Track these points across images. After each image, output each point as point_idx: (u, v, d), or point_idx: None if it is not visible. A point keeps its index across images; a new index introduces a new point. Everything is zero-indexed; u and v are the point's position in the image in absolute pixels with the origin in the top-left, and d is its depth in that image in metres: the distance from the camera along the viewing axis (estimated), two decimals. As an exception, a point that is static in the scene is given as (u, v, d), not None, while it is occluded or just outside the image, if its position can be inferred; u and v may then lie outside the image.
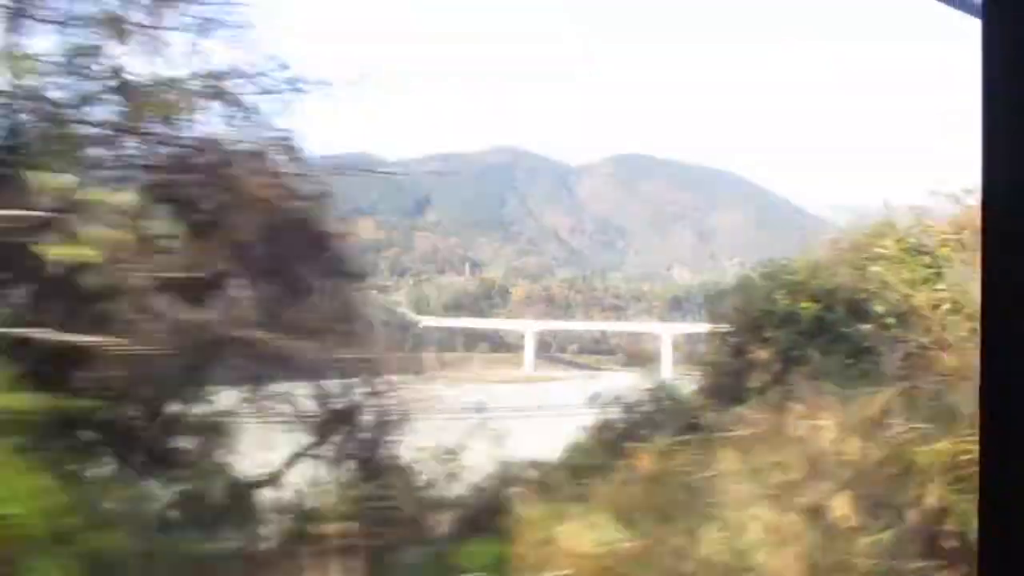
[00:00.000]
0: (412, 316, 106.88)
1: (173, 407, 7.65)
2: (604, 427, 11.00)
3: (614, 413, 11.77)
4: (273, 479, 7.96)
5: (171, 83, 8.29)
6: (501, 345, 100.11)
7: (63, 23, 7.85)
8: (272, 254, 8.63)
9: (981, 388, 1.34)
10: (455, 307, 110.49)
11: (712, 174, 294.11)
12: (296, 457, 7.91)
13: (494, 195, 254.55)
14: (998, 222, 1.35)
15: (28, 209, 6.38)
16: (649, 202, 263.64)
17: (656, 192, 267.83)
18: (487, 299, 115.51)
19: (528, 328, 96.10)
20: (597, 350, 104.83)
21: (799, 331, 8.37)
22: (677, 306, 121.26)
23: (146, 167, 8.13)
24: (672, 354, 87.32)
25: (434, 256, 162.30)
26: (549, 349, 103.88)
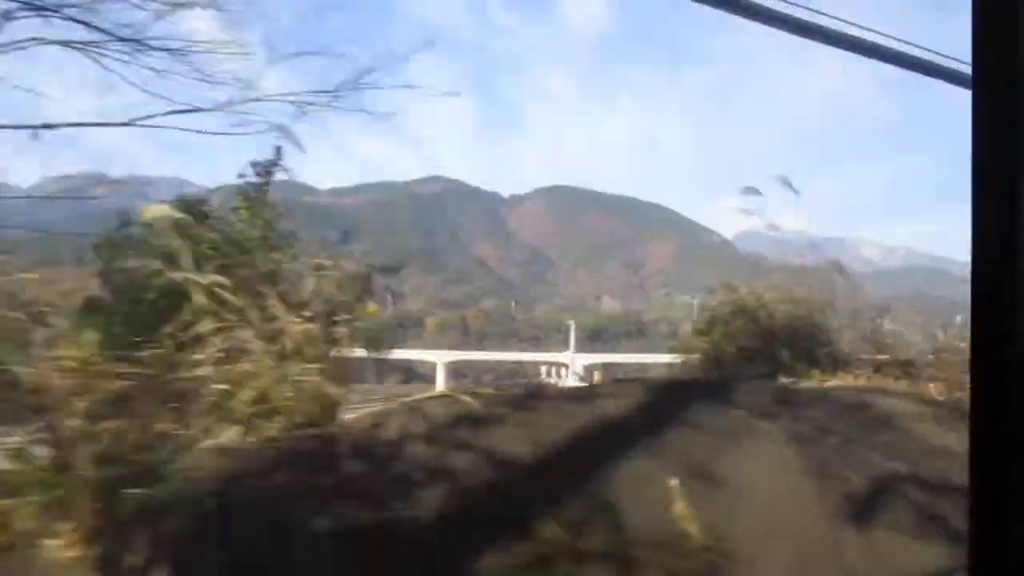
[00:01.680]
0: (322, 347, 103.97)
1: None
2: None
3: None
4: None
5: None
6: (414, 375, 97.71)
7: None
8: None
9: (973, 386, 1.34)
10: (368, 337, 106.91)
11: (642, 206, 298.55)
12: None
13: (424, 225, 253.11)
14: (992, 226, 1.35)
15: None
16: (580, 233, 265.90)
17: (587, 223, 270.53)
18: (402, 329, 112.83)
19: (440, 358, 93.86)
20: (513, 380, 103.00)
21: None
22: (596, 336, 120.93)
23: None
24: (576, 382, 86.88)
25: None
26: (464, 379, 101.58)
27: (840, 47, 4.29)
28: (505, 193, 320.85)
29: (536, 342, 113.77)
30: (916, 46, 4.46)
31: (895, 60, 4.51)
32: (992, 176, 1.32)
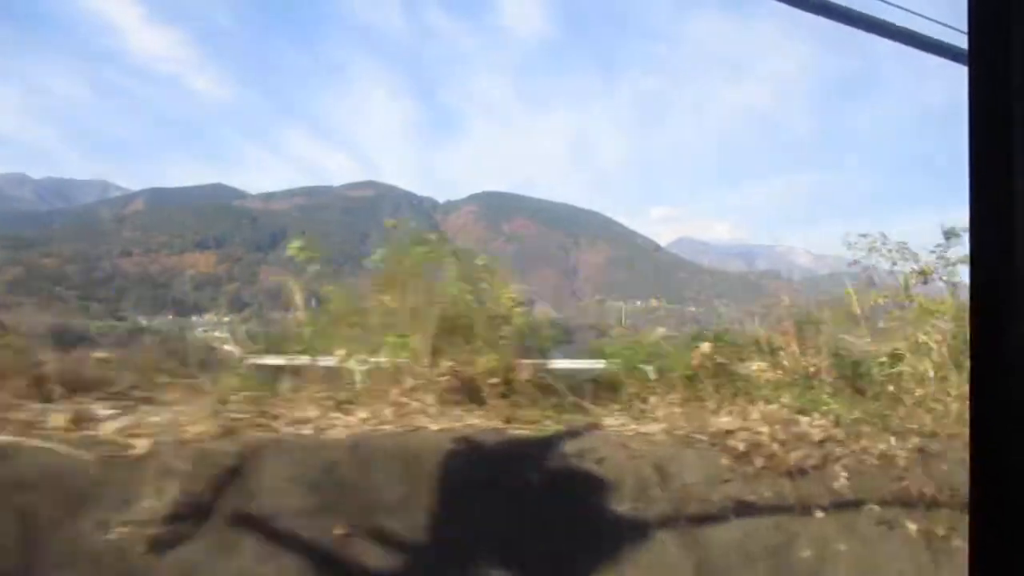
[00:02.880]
0: (236, 352, 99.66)
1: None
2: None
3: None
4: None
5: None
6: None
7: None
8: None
9: (971, 388, 1.36)
10: (287, 343, 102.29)
11: (576, 212, 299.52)
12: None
13: (356, 230, 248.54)
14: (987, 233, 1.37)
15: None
16: (513, 239, 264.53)
17: (520, 229, 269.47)
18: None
19: (360, 366, 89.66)
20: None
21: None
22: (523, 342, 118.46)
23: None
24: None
25: (279, 291, 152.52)
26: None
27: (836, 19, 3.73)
28: (440, 198, 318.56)
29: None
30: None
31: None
32: (989, 176, 1.32)
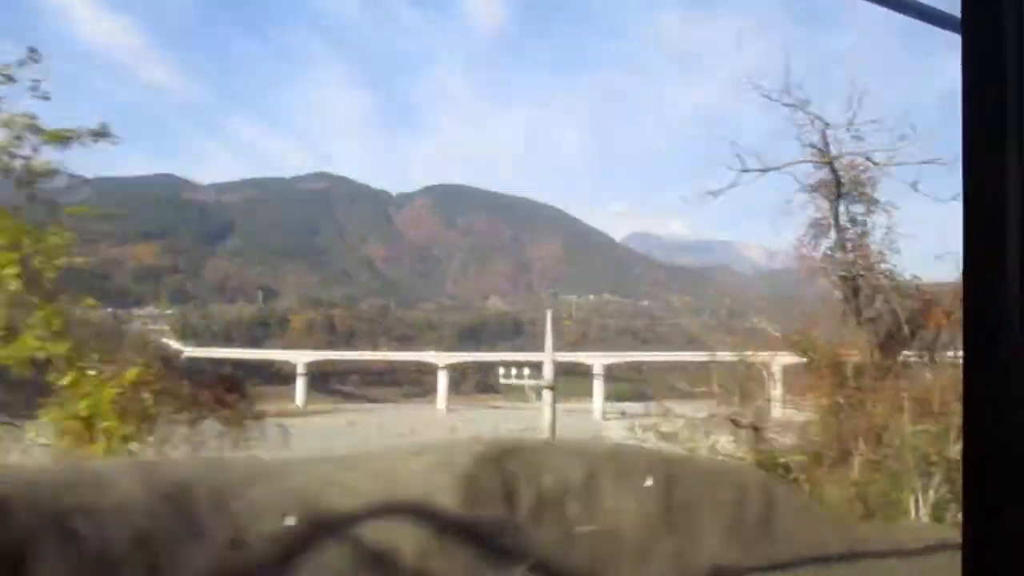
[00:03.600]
0: (175, 346, 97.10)
1: None
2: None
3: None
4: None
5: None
6: (276, 377, 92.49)
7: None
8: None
9: (965, 395, 1.38)
10: (228, 337, 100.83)
11: (531, 206, 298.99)
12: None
13: (308, 222, 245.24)
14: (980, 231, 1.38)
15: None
16: (468, 233, 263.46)
17: (476, 223, 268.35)
18: (264, 327, 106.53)
19: (300, 359, 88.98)
20: (382, 381, 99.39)
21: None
22: (472, 335, 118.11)
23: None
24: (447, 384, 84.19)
25: (225, 284, 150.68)
26: (329, 381, 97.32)
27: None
28: (394, 191, 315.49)
29: (408, 341, 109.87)
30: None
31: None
32: (982, 174, 1.33)
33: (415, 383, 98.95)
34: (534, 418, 60.33)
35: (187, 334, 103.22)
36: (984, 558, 1.27)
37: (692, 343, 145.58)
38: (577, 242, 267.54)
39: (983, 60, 1.29)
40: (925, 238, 17.32)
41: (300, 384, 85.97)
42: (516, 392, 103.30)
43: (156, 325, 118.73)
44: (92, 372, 9.18)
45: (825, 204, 17.08)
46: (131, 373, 9.69)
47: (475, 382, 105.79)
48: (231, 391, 13.62)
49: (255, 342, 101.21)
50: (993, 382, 1.26)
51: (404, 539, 5.07)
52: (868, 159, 16.36)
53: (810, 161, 16.94)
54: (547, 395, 34.57)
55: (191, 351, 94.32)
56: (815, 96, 16.65)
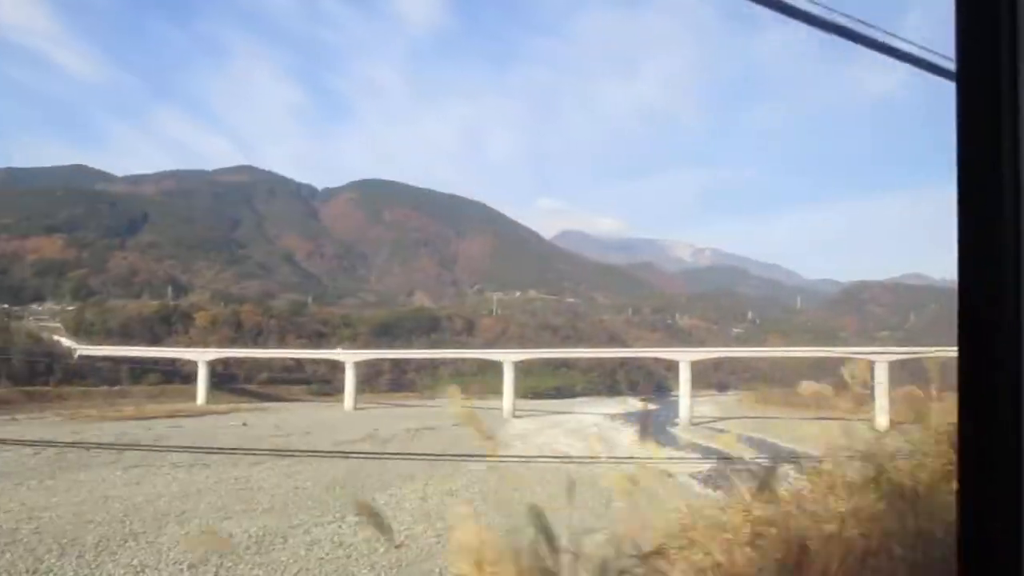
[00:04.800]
0: (67, 343, 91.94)
1: None
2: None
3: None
4: None
5: None
6: (179, 376, 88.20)
7: None
8: None
9: (960, 394, 1.41)
10: (127, 334, 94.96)
11: (458, 202, 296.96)
12: None
13: (228, 216, 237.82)
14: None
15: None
16: (393, 228, 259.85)
17: (403, 218, 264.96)
18: (167, 324, 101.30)
19: (201, 356, 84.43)
20: (291, 379, 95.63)
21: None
22: (386, 332, 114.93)
23: None
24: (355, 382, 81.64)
25: (132, 279, 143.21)
26: (236, 380, 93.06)
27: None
28: (319, 185, 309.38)
29: (322, 338, 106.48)
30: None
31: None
32: (976, 176, 1.36)
33: (326, 381, 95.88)
34: (439, 415, 59.05)
35: (83, 331, 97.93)
36: (979, 556, 1.29)
37: (613, 340, 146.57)
38: (505, 239, 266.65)
39: (978, 108, 1.31)
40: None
41: (201, 383, 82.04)
42: (431, 389, 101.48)
43: (53, 322, 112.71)
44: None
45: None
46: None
47: (390, 379, 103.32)
48: None
49: (157, 339, 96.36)
50: (987, 382, 1.27)
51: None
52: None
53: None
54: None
55: (85, 349, 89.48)
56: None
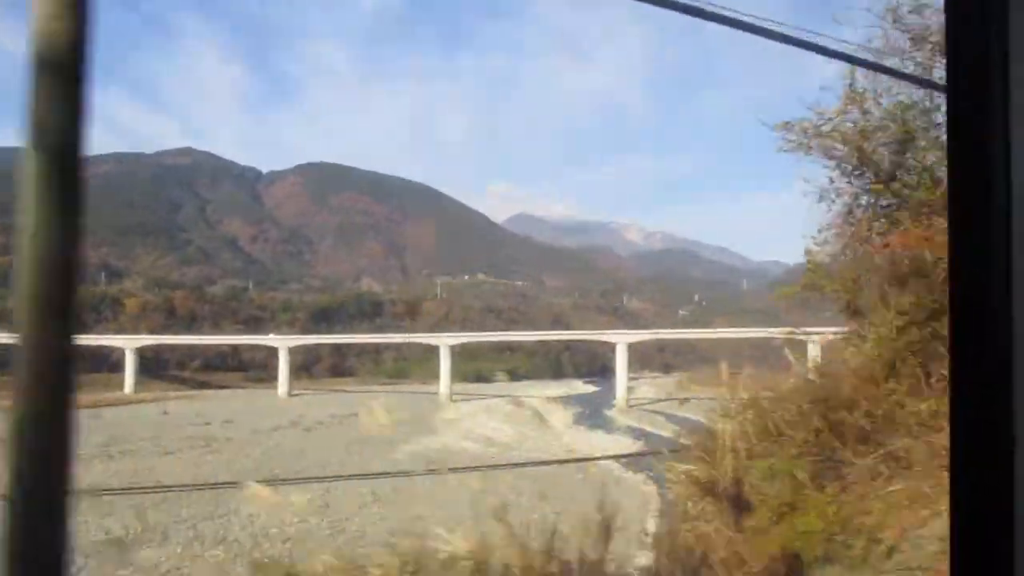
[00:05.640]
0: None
1: None
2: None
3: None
4: None
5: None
6: (107, 363, 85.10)
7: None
8: None
9: (951, 392, 1.43)
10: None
11: (408, 187, 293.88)
12: None
13: (169, 199, 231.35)
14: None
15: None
16: (340, 212, 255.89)
17: (348, 203, 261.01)
18: (96, 311, 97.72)
19: (130, 344, 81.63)
20: (225, 366, 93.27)
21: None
22: (325, 317, 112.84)
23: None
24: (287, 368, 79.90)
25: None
26: (168, 367, 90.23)
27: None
28: (264, 168, 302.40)
29: (259, 324, 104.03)
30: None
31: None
32: (967, 173, 1.37)
33: (262, 367, 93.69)
34: (371, 401, 57.86)
35: (3, 319, 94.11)
36: (969, 548, 1.30)
37: (558, 323, 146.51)
38: (454, 223, 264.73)
39: (968, 121, 1.33)
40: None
41: (129, 370, 79.42)
42: (371, 375, 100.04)
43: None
44: None
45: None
46: None
47: (330, 365, 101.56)
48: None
49: (84, 327, 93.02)
50: (979, 378, 1.28)
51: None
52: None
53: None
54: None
55: (6, 338, 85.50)
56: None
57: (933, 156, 7.63)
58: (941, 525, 4.32)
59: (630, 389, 73.15)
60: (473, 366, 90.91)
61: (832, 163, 8.76)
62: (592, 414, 57.05)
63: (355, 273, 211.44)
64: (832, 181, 8.77)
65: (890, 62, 7.96)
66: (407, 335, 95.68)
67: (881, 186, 8.31)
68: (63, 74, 1.41)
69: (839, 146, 8.61)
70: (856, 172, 8.63)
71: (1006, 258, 1.23)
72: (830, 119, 8.60)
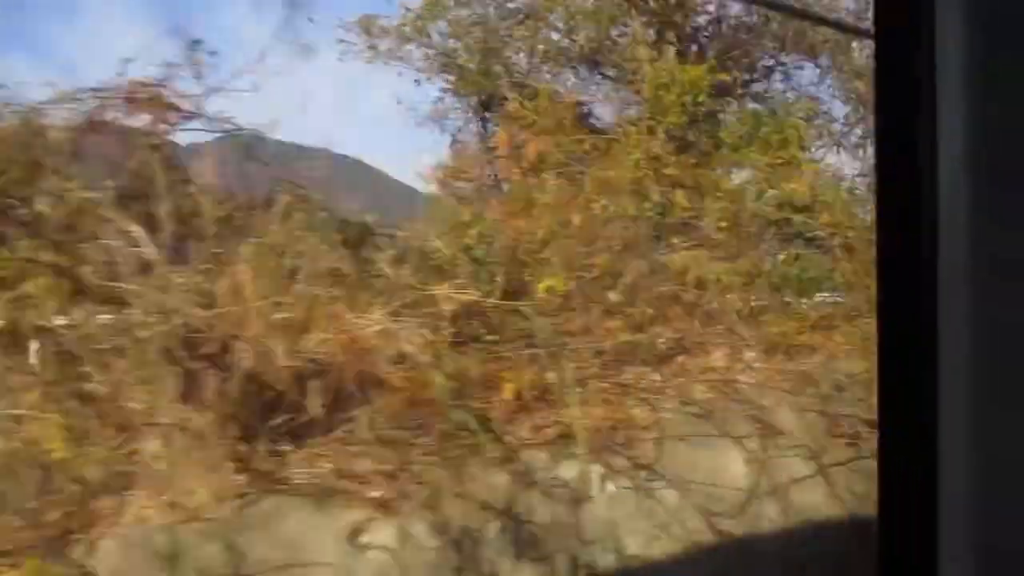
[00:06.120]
0: None
1: None
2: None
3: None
4: None
5: None
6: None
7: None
8: None
9: (879, 382, 1.29)
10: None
11: (332, 158, 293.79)
12: None
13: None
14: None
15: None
16: (261, 185, 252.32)
17: (269, 174, 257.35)
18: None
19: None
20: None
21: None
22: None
23: None
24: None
25: None
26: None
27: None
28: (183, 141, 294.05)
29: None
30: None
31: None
32: (893, 130, 1.27)
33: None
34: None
35: None
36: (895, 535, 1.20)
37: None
38: (382, 196, 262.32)
39: (896, 66, 1.26)
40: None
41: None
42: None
43: None
44: None
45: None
46: None
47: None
48: None
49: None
50: (907, 368, 1.19)
51: None
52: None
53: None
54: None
55: None
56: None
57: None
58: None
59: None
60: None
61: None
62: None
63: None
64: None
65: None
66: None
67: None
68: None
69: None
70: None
71: (933, 251, 1.13)
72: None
